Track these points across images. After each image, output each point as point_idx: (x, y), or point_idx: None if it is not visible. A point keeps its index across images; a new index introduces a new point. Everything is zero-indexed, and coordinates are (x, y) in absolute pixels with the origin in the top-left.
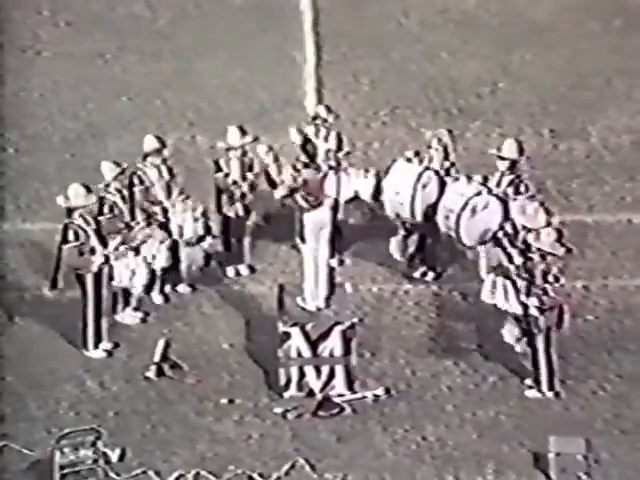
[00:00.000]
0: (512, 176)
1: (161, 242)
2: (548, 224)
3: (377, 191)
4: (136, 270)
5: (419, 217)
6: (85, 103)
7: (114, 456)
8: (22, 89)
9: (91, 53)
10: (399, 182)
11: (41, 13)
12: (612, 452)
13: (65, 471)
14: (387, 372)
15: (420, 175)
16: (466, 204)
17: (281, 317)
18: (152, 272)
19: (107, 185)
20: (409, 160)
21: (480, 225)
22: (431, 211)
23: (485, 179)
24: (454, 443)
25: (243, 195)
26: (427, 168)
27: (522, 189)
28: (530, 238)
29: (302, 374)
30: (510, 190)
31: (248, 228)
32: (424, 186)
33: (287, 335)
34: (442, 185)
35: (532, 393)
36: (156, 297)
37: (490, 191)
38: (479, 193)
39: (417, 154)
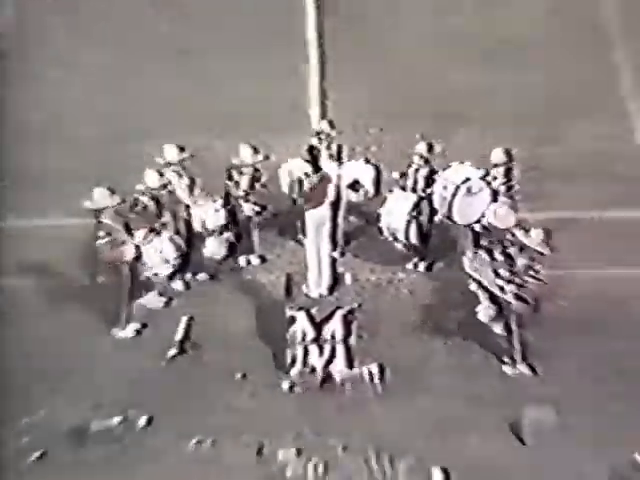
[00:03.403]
0: (505, 179)
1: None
2: (517, 224)
3: (377, 179)
4: (164, 257)
5: (414, 240)
6: (111, 110)
7: (141, 423)
8: (55, 98)
9: (114, 62)
10: (394, 211)
11: (64, 23)
12: (580, 419)
13: (98, 437)
14: (383, 351)
15: (415, 205)
16: (467, 179)
17: (288, 303)
18: (181, 256)
19: (139, 189)
20: (403, 188)
21: (472, 207)
22: (425, 235)
23: (485, 174)
24: (442, 413)
25: (252, 196)
26: (422, 198)
27: (503, 191)
28: (519, 235)
29: (306, 353)
30: (500, 186)
31: (255, 224)
32: (419, 214)
33: (293, 319)
34: (433, 212)
35: (509, 370)
36: (177, 284)
37: (487, 180)
38: (485, 175)
39: (402, 175)
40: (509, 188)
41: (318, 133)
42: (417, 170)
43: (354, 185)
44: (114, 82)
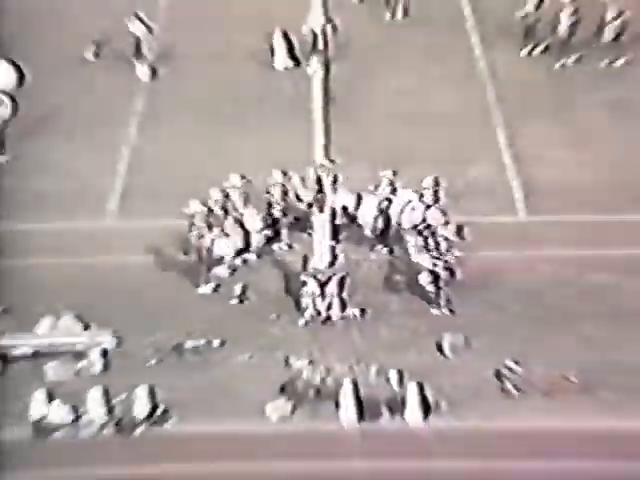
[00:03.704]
0: (434, 197)
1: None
2: (446, 222)
3: (358, 204)
4: (229, 244)
5: (378, 231)
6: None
7: (216, 344)
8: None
9: None
10: (366, 208)
11: None
12: (480, 342)
13: (191, 351)
14: (362, 302)
15: (379, 203)
16: (410, 202)
17: (303, 273)
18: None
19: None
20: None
21: (415, 214)
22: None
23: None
24: (397, 338)
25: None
26: (381, 210)
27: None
28: (443, 229)
29: (315, 303)
30: (431, 201)
31: (284, 224)
32: (381, 211)
33: (305, 282)
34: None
35: (435, 311)
36: (238, 261)
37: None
38: (420, 196)
39: (376, 187)
40: (437, 200)
41: (322, 166)
42: (384, 189)
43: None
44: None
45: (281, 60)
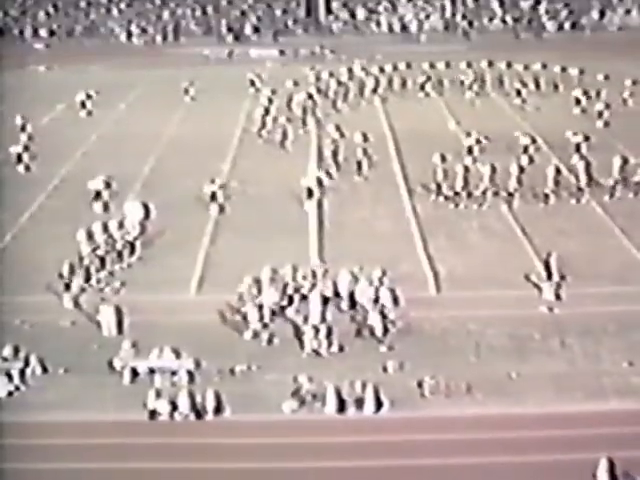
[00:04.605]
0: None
1: None
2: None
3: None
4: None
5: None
6: None
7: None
8: None
9: None
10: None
11: None
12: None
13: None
14: (341, 342)
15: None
16: (369, 284)
17: (305, 326)
18: None
19: None
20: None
21: (370, 293)
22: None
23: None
24: (360, 364)
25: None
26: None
27: None
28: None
29: (311, 344)
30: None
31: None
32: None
33: (304, 332)
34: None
35: (383, 348)
36: (258, 325)
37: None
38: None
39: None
40: (383, 283)
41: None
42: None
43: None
44: None
45: None
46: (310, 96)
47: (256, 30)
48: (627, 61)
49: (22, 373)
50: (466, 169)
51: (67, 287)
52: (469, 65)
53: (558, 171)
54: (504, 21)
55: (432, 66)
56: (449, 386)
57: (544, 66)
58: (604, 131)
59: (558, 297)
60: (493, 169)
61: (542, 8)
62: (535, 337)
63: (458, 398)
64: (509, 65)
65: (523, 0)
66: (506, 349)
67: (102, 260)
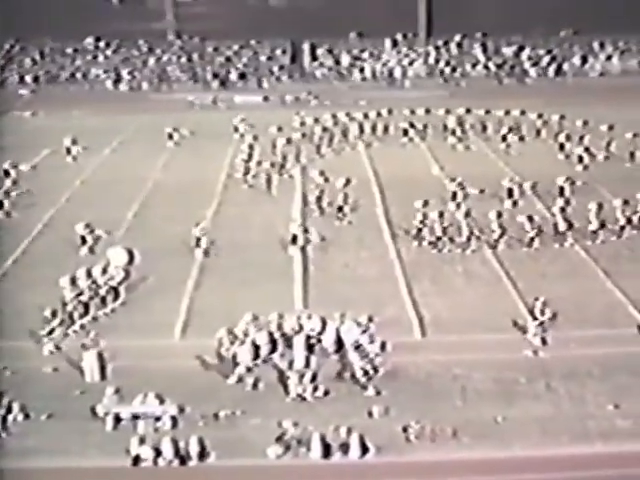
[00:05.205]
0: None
1: None
2: (372, 341)
3: (322, 332)
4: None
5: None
6: None
7: (238, 413)
8: None
9: None
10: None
11: None
12: (396, 410)
13: None
14: (326, 387)
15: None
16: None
17: (289, 371)
18: None
19: None
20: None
21: (354, 338)
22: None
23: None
24: (343, 409)
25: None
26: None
27: None
28: (370, 346)
29: (296, 389)
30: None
31: (279, 342)
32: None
33: (289, 377)
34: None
35: (367, 392)
36: (242, 370)
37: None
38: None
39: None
40: (369, 328)
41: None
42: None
43: None
44: None
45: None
46: (294, 141)
47: (241, 76)
48: (608, 106)
49: (4, 419)
50: (450, 214)
51: (50, 333)
52: (452, 111)
53: (541, 215)
54: (487, 67)
55: (415, 112)
56: (435, 431)
57: (525, 112)
58: (586, 175)
59: (543, 340)
60: (477, 214)
61: (525, 54)
62: (520, 381)
63: (444, 442)
64: (491, 111)
65: (506, 47)
66: (492, 393)
67: (86, 306)
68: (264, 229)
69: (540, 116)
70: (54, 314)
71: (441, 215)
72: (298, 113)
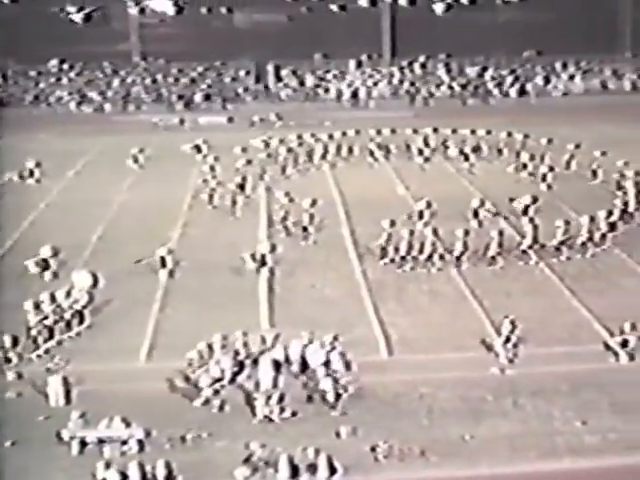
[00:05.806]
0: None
1: None
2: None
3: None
4: (210, 378)
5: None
6: None
7: (204, 435)
8: None
9: None
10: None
11: None
12: (364, 430)
13: None
14: (294, 409)
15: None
16: (320, 349)
17: (256, 392)
18: None
19: None
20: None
21: (321, 358)
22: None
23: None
24: (312, 430)
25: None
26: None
27: None
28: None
29: (263, 411)
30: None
31: (246, 364)
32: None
33: (256, 398)
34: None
35: (334, 413)
36: (208, 392)
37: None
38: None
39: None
40: (335, 348)
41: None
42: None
43: None
44: None
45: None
46: (259, 162)
47: (206, 97)
48: (571, 125)
49: None
50: (415, 233)
51: (13, 358)
52: (416, 131)
53: (505, 234)
54: (451, 87)
55: (380, 132)
56: (403, 450)
57: (490, 131)
58: (549, 194)
59: (510, 359)
60: (442, 232)
61: (488, 75)
62: (488, 399)
63: (412, 462)
64: (456, 130)
65: (469, 67)
66: (459, 411)
67: (50, 330)
68: (229, 250)
69: (505, 135)
70: (17, 339)
71: (407, 234)
72: (263, 134)
